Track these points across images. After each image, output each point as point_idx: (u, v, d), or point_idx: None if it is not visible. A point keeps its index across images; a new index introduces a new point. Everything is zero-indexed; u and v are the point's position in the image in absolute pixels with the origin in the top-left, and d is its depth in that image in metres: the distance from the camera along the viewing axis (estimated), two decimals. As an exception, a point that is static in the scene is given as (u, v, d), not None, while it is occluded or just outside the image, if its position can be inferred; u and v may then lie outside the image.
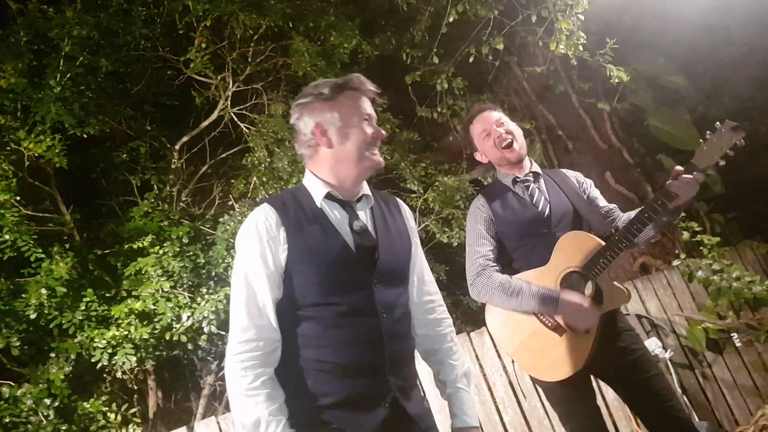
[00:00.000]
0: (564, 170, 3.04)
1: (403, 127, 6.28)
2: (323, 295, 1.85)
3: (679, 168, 2.48)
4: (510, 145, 2.84)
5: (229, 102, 5.60)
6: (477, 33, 5.70)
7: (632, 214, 2.68)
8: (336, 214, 1.95)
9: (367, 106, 2.01)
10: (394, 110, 6.14)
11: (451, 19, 5.30)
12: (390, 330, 1.90)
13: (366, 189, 2.05)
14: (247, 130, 5.49)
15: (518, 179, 2.88)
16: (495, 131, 2.86)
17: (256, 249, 1.85)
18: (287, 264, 1.86)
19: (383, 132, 2.02)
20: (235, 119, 5.59)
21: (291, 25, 5.55)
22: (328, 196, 1.96)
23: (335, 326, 1.85)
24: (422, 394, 2.15)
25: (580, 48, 5.09)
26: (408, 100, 6.36)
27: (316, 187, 1.97)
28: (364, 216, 2.00)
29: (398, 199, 2.22)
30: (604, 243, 2.59)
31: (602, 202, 2.94)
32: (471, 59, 5.74)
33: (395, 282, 2.00)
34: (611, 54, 5.13)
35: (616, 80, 5.17)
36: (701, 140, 2.49)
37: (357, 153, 1.95)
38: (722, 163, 2.44)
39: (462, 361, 2.17)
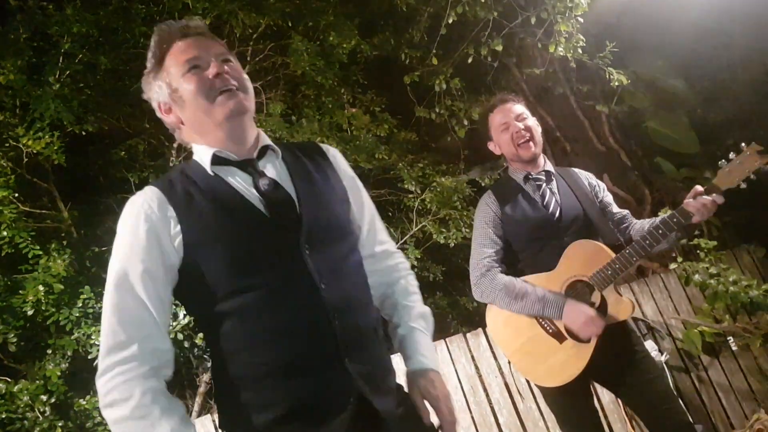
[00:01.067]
0: (577, 170, 2.95)
1: (401, 127, 6.30)
2: (239, 276, 1.45)
3: (699, 188, 2.44)
4: (527, 143, 2.75)
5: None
6: (476, 34, 5.71)
7: (645, 225, 2.65)
8: (237, 179, 1.56)
9: (189, 50, 1.58)
10: (393, 110, 6.16)
11: (450, 20, 5.31)
12: (336, 302, 1.50)
13: (265, 140, 1.64)
14: (245, 129, 5.49)
15: (530, 176, 2.80)
16: (514, 125, 2.76)
17: (132, 241, 1.46)
18: (185, 250, 1.47)
19: (218, 67, 1.56)
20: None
21: (290, 25, 5.56)
22: (218, 160, 1.55)
23: (263, 313, 1.46)
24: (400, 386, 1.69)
25: (579, 51, 5.10)
26: (406, 100, 6.37)
27: (201, 153, 1.58)
28: (273, 171, 1.61)
29: (322, 144, 1.79)
30: (614, 255, 2.55)
31: (615, 208, 2.88)
32: (470, 60, 5.75)
33: (333, 240, 1.58)
34: (610, 57, 5.15)
35: (616, 83, 5.18)
36: (724, 161, 2.43)
37: (201, 106, 1.55)
38: (743, 186, 2.39)
39: (420, 303, 1.80)
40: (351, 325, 1.53)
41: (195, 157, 1.61)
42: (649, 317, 4.74)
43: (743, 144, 2.40)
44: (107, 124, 5.19)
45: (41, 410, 3.87)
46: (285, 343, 1.47)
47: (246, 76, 1.63)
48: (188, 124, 1.61)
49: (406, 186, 5.65)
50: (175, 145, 5.59)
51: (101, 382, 1.42)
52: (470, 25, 5.69)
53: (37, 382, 3.97)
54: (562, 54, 5.13)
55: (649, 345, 4.42)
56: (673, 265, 4.51)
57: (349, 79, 6.14)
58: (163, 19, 5.26)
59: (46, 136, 4.35)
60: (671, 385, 4.32)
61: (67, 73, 4.63)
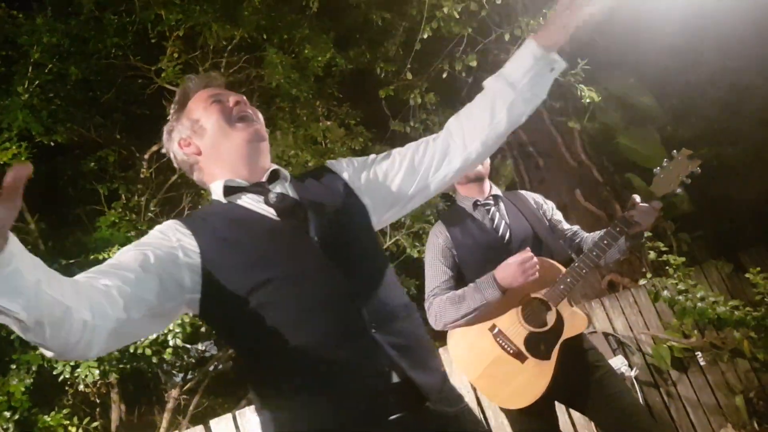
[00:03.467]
0: (524, 192, 3.04)
1: (376, 141, 6.30)
2: (255, 273, 1.52)
3: (636, 197, 2.52)
4: None
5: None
6: (451, 49, 5.74)
7: (596, 237, 2.69)
8: (247, 200, 1.66)
9: (211, 91, 1.78)
10: (368, 123, 6.16)
11: (425, 35, 5.33)
12: (356, 283, 1.58)
13: (275, 166, 1.74)
14: (218, 141, 5.46)
15: (479, 203, 2.86)
16: None
17: (143, 239, 1.56)
18: (203, 261, 1.52)
19: (238, 97, 1.76)
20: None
21: (265, 37, 5.55)
22: (229, 190, 1.66)
23: (285, 301, 1.51)
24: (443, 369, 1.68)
25: (553, 67, 5.14)
26: (381, 113, 6.38)
27: (215, 189, 1.69)
28: (281, 190, 1.70)
29: (327, 162, 1.88)
30: (564, 270, 2.60)
31: (565, 225, 2.94)
32: (444, 75, 5.77)
33: (342, 234, 1.67)
34: (582, 74, 5.20)
35: (587, 100, 5.24)
36: (658, 168, 2.52)
37: (221, 131, 1.69)
38: (679, 191, 2.48)
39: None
40: (375, 301, 1.58)
41: (212, 196, 1.72)
42: (619, 332, 4.77)
43: (675, 151, 2.49)
44: (77, 134, 5.13)
45: (4, 427, 3.79)
46: (312, 324, 1.51)
47: (261, 116, 1.79)
48: (206, 151, 1.71)
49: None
50: (146, 156, 5.54)
51: None
52: (445, 41, 5.72)
53: (1, 397, 3.89)
54: (535, 71, 5.17)
55: (619, 360, 4.45)
56: (642, 281, 4.55)
57: (324, 92, 6.14)
58: (135, 30, 5.24)
59: (14, 147, 4.27)
60: (641, 399, 4.36)
61: (37, 83, 4.57)
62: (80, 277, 1.35)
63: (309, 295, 1.53)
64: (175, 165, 1.83)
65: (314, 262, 1.56)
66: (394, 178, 1.82)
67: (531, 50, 1.76)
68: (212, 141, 1.70)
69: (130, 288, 1.37)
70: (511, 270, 2.51)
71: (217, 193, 1.68)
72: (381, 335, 1.52)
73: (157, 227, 1.60)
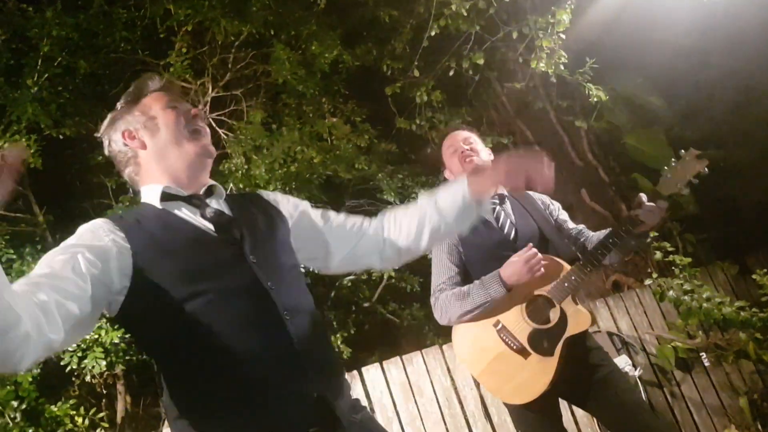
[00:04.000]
0: (531, 192, 3.03)
1: (382, 138, 6.31)
2: (189, 285, 1.52)
3: (642, 195, 2.51)
4: (469, 158, 2.85)
5: (208, 107, 5.58)
6: (458, 47, 5.74)
7: (601, 236, 2.69)
8: (184, 211, 1.68)
9: (170, 96, 1.80)
10: (373, 121, 6.17)
11: (432, 33, 5.33)
12: (286, 301, 1.61)
13: (212, 182, 1.79)
14: (225, 136, 5.47)
15: None
16: (461, 147, 2.90)
17: (74, 241, 1.53)
18: (135, 265, 1.51)
19: (196, 108, 1.82)
20: (214, 125, 5.57)
21: (272, 33, 5.56)
22: (167, 196, 1.67)
23: (217, 314, 1.52)
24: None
25: (561, 67, 5.14)
26: (387, 111, 6.37)
27: (151, 192, 1.69)
28: (216, 205, 1.74)
29: (261, 191, 1.95)
30: (569, 267, 2.61)
31: (571, 224, 2.95)
32: (451, 73, 5.77)
33: (274, 253, 1.72)
34: (590, 73, 5.20)
35: (595, 99, 5.23)
36: (665, 168, 2.51)
37: (174, 136, 1.71)
38: (686, 191, 2.46)
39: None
40: (302, 323, 1.63)
41: (144, 198, 1.71)
42: (623, 332, 4.77)
43: (682, 150, 2.48)
44: (85, 128, 5.14)
45: (11, 416, 3.82)
46: (240, 340, 1.53)
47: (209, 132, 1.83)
48: (151, 150, 1.72)
49: (385, 197, 5.66)
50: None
51: None
52: (452, 38, 5.72)
53: (8, 387, 3.91)
54: (543, 69, 5.17)
55: (623, 360, 4.45)
56: (648, 281, 4.55)
57: (330, 89, 6.15)
58: (144, 25, 5.26)
59: (23, 139, 4.30)
60: (644, 399, 4.36)
61: (46, 76, 4.60)
62: (16, 287, 1.28)
63: (240, 312, 1.55)
64: (107, 152, 1.81)
65: (248, 280, 1.59)
66: (316, 234, 1.92)
67: (462, 192, 1.82)
68: (163, 143, 1.71)
69: (68, 302, 1.34)
70: (516, 267, 2.52)
71: (151, 197, 1.68)
72: (304, 356, 1.59)
73: (86, 226, 1.58)
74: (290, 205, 1.91)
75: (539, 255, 2.52)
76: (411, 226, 1.89)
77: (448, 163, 2.99)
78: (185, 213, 1.67)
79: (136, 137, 1.73)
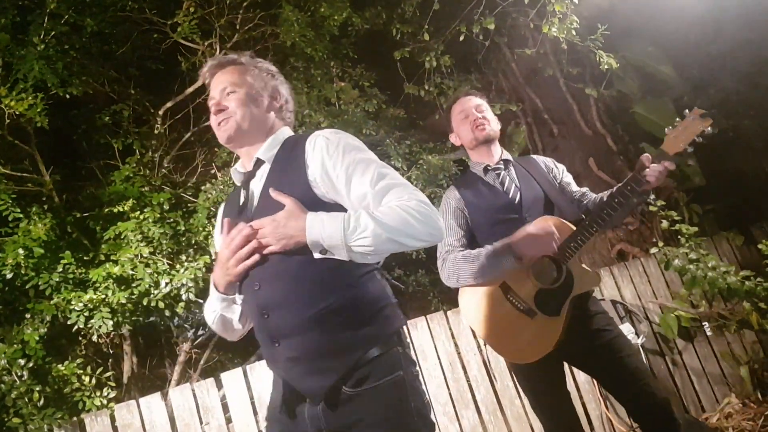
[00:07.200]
0: (535, 156, 3.10)
1: (390, 104, 6.26)
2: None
3: (647, 155, 2.52)
4: (482, 126, 2.93)
5: (215, 68, 5.52)
6: (468, 11, 5.68)
7: (604, 197, 2.71)
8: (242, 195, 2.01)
9: (211, 88, 2.07)
10: (382, 86, 6.11)
11: (443, -5, 5.27)
12: (266, 302, 1.80)
13: (263, 154, 1.97)
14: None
15: (489, 167, 2.95)
16: (473, 114, 2.96)
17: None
18: None
19: (216, 103, 2.01)
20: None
21: (281, -7, 5.49)
22: (236, 172, 2.07)
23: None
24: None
25: (573, 32, 5.09)
26: (396, 76, 6.33)
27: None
28: (259, 184, 1.94)
29: (311, 135, 1.90)
30: (574, 227, 2.63)
31: (574, 187, 2.99)
32: (461, 38, 5.72)
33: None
34: (601, 40, 5.14)
35: (605, 67, 5.19)
36: (669, 127, 2.51)
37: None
38: (690, 149, 2.46)
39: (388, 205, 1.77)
40: (281, 318, 1.77)
41: None
42: (627, 300, 4.80)
43: (687, 110, 2.48)
44: (92, 88, 5.10)
45: (18, 374, 3.85)
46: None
47: (240, 101, 1.99)
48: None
49: (392, 162, 5.63)
50: (160, 112, 5.53)
51: None
52: (463, 2, 5.66)
53: (15, 346, 3.94)
54: (555, 34, 5.11)
55: (626, 328, 4.48)
56: (653, 250, 4.56)
57: (339, 53, 6.09)
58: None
59: (29, 98, 4.27)
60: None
61: (53, 33, 4.54)
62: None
63: (245, 303, 1.93)
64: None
65: (249, 280, 1.86)
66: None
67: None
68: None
69: None
70: (529, 242, 2.55)
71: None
72: (282, 349, 1.78)
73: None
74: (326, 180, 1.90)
75: (556, 234, 2.54)
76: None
77: (457, 129, 3.04)
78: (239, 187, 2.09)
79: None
